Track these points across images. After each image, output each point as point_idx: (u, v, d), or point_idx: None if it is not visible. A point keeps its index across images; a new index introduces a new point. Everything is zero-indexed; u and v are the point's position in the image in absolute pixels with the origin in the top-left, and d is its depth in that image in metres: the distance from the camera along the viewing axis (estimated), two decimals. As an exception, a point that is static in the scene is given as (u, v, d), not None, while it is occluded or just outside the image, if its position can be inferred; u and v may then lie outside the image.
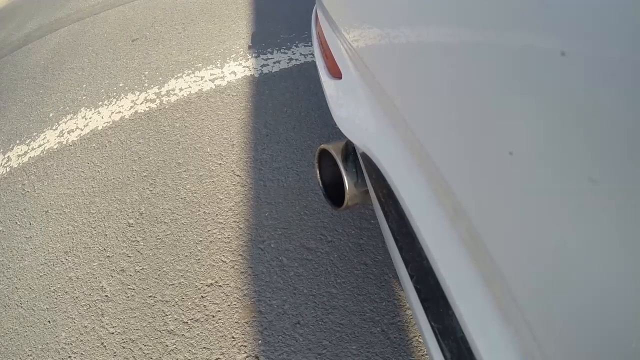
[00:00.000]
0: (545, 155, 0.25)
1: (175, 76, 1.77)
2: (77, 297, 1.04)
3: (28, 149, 1.62)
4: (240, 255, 1.02)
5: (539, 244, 0.26)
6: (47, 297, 1.06)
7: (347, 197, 0.64)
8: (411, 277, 0.41)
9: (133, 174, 1.34)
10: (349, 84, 0.60)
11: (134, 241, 1.13)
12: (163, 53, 1.97)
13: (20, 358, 0.96)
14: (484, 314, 0.31)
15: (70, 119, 1.70)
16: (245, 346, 0.85)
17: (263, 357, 0.83)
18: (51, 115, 1.77)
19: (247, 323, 0.89)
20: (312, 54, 1.69)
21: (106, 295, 1.02)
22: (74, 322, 0.99)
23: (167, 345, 0.89)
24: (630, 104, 0.20)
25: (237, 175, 1.23)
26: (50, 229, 1.24)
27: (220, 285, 0.97)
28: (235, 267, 0.99)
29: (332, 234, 1.01)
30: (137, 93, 1.73)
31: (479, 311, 0.32)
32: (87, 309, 1.01)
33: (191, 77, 1.73)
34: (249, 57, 1.76)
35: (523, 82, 0.26)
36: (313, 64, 1.62)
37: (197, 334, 0.89)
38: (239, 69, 1.70)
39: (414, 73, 0.41)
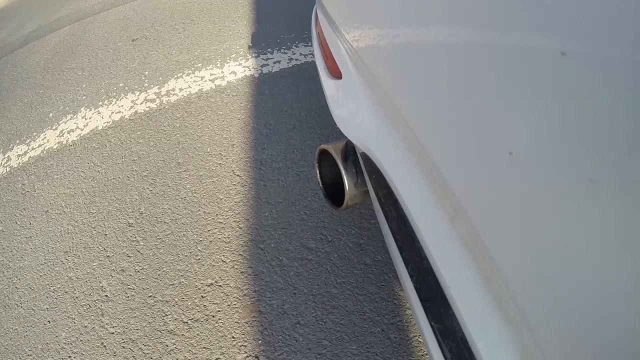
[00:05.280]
0: (545, 155, 0.25)
1: (175, 76, 1.77)
2: (77, 297, 1.04)
3: (28, 149, 1.62)
4: (240, 255, 1.02)
5: (539, 244, 0.26)
6: (47, 297, 1.06)
7: (347, 197, 0.64)
8: (411, 277, 0.41)
9: (133, 174, 1.34)
10: (349, 84, 0.60)
11: (134, 241, 1.13)
12: (163, 53, 1.97)
13: (20, 358, 0.96)
14: (484, 314, 0.31)
15: (70, 119, 1.70)
16: (245, 346, 0.85)
17: (263, 357, 0.83)
18: (51, 115, 1.77)
19: (247, 323, 0.89)
20: (312, 54, 1.69)
21: (106, 295, 1.02)
22: (74, 322, 0.99)
23: (167, 345, 0.89)
24: (630, 104, 0.20)
25: (237, 175, 1.22)
26: (50, 228, 1.24)
27: (220, 285, 0.97)
28: (235, 267, 0.99)
29: (332, 233, 1.01)
30: (137, 93, 1.73)
31: (479, 311, 0.32)
32: (87, 309, 1.01)
33: (191, 77, 1.73)
34: (249, 57, 1.76)
35: (523, 82, 0.26)
36: (313, 64, 1.62)
37: (197, 334, 0.89)
38: (239, 69, 1.70)
39: (414, 73, 0.41)
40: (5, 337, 1.01)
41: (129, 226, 1.17)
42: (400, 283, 0.71)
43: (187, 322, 0.92)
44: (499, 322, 0.30)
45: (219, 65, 1.76)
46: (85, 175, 1.40)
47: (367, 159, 0.52)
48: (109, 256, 1.11)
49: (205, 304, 0.94)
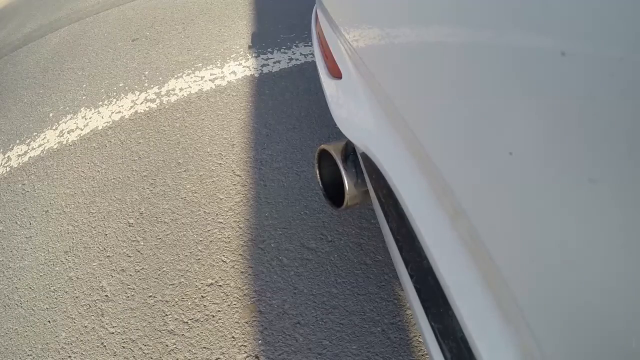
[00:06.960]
0: (545, 155, 0.25)
1: (175, 76, 1.77)
2: (77, 297, 1.04)
3: (28, 149, 1.62)
4: (241, 255, 1.02)
5: (539, 244, 0.26)
6: (47, 297, 1.06)
7: (347, 197, 0.64)
8: (411, 277, 0.41)
9: (133, 174, 1.34)
10: (349, 84, 0.60)
11: (134, 241, 1.13)
12: (163, 53, 1.97)
13: (20, 358, 0.96)
14: (484, 314, 0.31)
15: (70, 119, 1.70)
16: (245, 346, 0.85)
17: (263, 357, 0.83)
18: (51, 115, 1.77)
19: (247, 323, 0.89)
20: (312, 54, 1.69)
21: (106, 295, 1.02)
22: (74, 322, 0.99)
23: (167, 345, 0.89)
24: (630, 104, 0.20)
25: (237, 175, 1.22)
26: (50, 228, 1.24)
27: (220, 285, 0.97)
28: (236, 267, 0.99)
29: (333, 233, 1.01)
30: (137, 93, 1.73)
31: (479, 311, 0.32)
32: (87, 308, 1.01)
33: (191, 77, 1.73)
34: (249, 57, 1.76)
35: (523, 82, 0.26)
36: (313, 64, 1.62)
37: (197, 334, 0.89)
38: (239, 68, 1.70)
39: (414, 73, 0.41)
40: (5, 337, 1.01)
41: (129, 226, 1.17)
42: (400, 283, 0.71)
43: (187, 322, 0.92)
44: (499, 322, 0.30)
45: (219, 65, 1.76)
46: (85, 175, 1.40)
47: (367, 159, 0.52)
48: (109, 256, 1.11)
49: (205, 304, 0.94)
